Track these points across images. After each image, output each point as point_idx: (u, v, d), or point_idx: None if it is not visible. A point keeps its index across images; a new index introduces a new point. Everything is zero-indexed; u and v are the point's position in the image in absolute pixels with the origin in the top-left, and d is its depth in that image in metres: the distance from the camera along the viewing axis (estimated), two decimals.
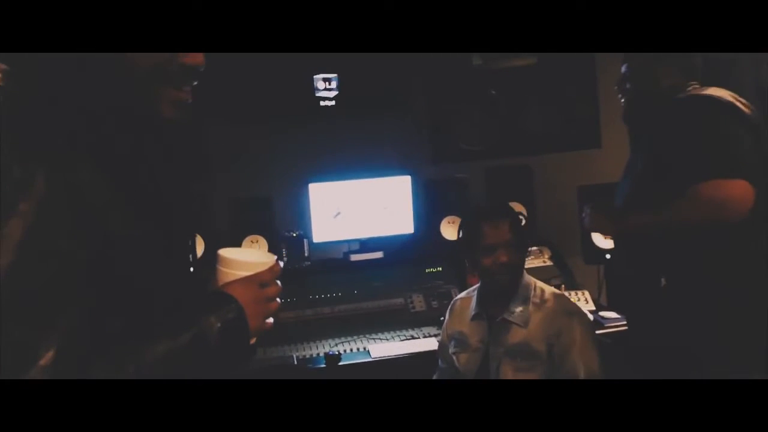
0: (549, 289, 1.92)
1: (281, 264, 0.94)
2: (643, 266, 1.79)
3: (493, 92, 3.26)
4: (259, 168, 2.88)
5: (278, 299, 0.94)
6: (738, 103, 1.69)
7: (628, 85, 1.88)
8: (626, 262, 1.92)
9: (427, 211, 2.86)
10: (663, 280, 1.71)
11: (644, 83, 1.83)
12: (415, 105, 3.09)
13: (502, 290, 1.86)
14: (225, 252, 0.91)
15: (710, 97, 1.69)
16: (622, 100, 1.91)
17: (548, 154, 3.14)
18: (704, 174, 1.58)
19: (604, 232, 2.12)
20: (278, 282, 0.93)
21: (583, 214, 1.99)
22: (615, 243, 2.01)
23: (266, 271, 0.91)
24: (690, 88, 1.77)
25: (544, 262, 2.79)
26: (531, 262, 2.77)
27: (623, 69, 1.89)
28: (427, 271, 2.74)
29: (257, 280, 0.90)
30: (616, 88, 1.92)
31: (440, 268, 2.74)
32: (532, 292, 1.88)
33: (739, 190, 1.57)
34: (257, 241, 2.68)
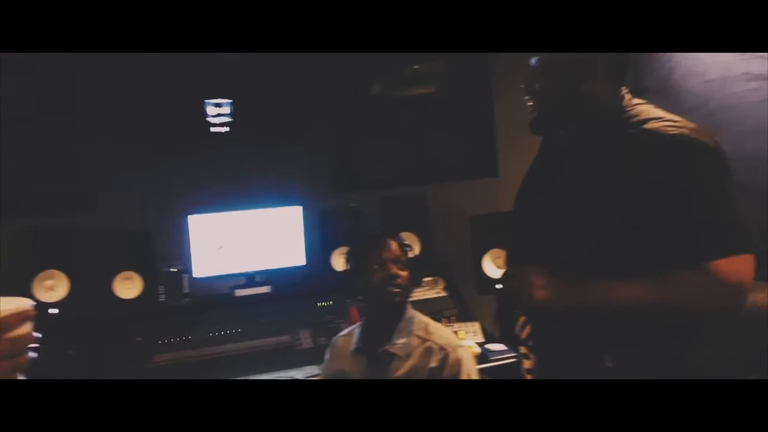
0: (433, 324, 1.88)
1: (30, 312, 0.78)
2: (584, 341, 1.28)
3: (395, 120, 3.22)
4: (140, 198, 2.70)
5: (23, 356, 0.78)
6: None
7: (537, 86, 1.35)
8: (558, 334, 1.34)
9: (320, 242, 2.75)
10: (608, 360, 1.24)
11: (561, 83, 1.32)
12: (314, 134, 2.99)
13: (392, 310, 1.81)
14: None
15: (688, 140, 1.22)
16: (530, 104, 1.38)
17: (445, 183, 3.10)
18: (723, 247, 1.16)
19: (557, 308, 1.26)
20: (14, 338, 0.77)
21: (515, 283, 1.30)
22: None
23: None
24: (626, 102, 1.33)
25: (438, 293, 2.72)
26: (425, 293, 2.70)
27: (533, 62, 1.37)
28: (318, 305, 2.62)
29: None
30: (522, 86, 1.38)
31: (331, 302, 2.62)
32: (416, 326, 1.83)
33: (752, 268, 1.18)
34: (131, 278, 2.48)
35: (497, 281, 2.53)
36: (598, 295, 1.21)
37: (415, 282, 1.91)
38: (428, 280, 2.74)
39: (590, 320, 1.24)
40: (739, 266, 1.16)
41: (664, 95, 2.38)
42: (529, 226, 1.41)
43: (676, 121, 1.25)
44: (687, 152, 1.20)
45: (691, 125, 1.24)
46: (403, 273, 1.81)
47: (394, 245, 1.84)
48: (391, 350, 1.78)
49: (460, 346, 1.81)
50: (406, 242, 1.90)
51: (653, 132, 1.23)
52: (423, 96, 3.22)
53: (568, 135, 1.37)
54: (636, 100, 1.33)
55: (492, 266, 2.57)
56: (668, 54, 2.37)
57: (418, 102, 3.21)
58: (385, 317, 1.82)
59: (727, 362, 1.35)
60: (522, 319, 1.46)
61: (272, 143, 2.88)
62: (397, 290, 1.78)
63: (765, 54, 1.97)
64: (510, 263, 1.54)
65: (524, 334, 1.44)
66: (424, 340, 1.79)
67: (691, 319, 1.22)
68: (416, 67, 3.22)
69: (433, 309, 2.58)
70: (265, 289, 2.64)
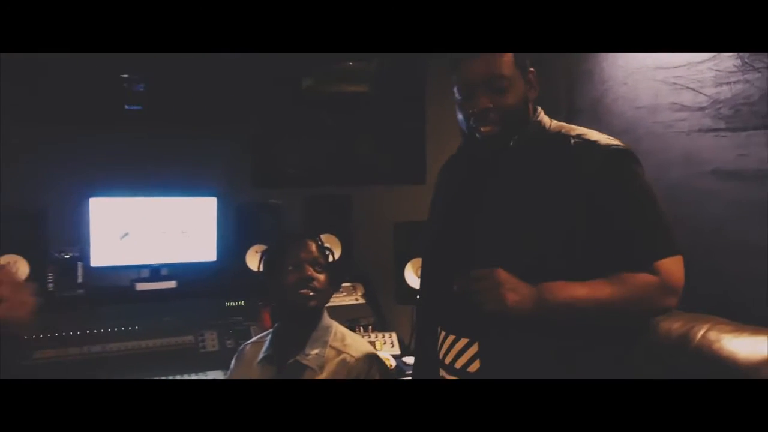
0: (351, 335, 1.76)
1: None
2: (539, 358, 1.25)
3: (324, 117, 3.10)
4: (39, 175, 2.43)
5: None
6: None
7: (501, 103, 1.29)
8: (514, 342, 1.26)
9: (234, 238, 2.57)
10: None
11: (520, 100, 1.32)
12: (237, 123, 2.82)
13: (306, 316, 1.68)
14: None
15: (626, 151, 1.29)
16: (488, 123, 1.30)
17: (371, 186, 3.01)
18: (666, 248, 1.24)
19: (525, 312, 1.21)
20: None
21: (486, 284, 1.21)
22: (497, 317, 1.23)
23: None
24: (545, 119, 1.39)
25: (356, 299, 2.62)
26: (343, 299, 2.60)
27: (492, 78, 1.29)
28: (227, 304, 2.45)
29: None
30: (487, 107, 1.30)
31: (242, 302, 2.46)
32: (332, 336, 1.71)
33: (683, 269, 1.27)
34: (16, 262, 2.21)
35: (416, 290, 2.46)
36: (563, 296, 1.21)
37: (334, 287, 1.80)
38: (347, 286, 2.64)
39: (545, 328, 1.22)
40: (678, 266, 1.24)
41: (595, 117, 2.40)
42: (472, 233, 1.34)
43: (608, 136, 1.32)
44: (630, 161, 1.28)
45: (582, 128, 1.35)
46: (321, 276, 1.69)
47: (312, 246, 1.72)
48: (303, 361, 1.64)
49: (377, 360, 1.72)
50: (327, 245, 1.79)
51: (595, 142, 1.29)
52: (354, 94, 3.13)
53: (516, 144, 1.34)
54: (552, 120, 1.40)
55: (413, 276, 2.50)
56: (602, 78, 2.39)
57: (349, 100, 3.11)
58: (299, 324, 1.69)
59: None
60: (451, 339, 1.33)
61: (191, 129, 2.69)
62: (312, 293, 1.66)
63: (694, 86, 2.01)
64: (431, 270, 1.47)
65: (460, 363, 1.31)
66: (339, 352, 1.67)
67: (637, 319, 1.30)
68: (350, 63, 3.12)
69: (350, 316, 2.49)
70: (170, 284, 2.45)
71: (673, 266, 1.23)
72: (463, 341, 1.32)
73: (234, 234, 2.57)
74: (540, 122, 1.38)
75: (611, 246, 1.23)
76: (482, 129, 1.31)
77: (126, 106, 2.60)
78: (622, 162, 1.27)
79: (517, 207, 1.30)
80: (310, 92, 3.06)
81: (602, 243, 1.23)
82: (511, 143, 1.34)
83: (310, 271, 1.66)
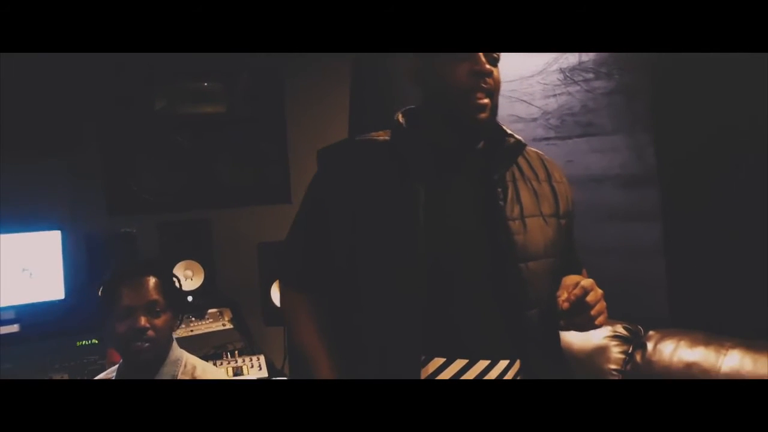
0: (202, 365, 1.66)
1: None
2: None
3: (179, 139, 2.99)
4: None
5: None
6: None
7: (493, 81, 1.15)
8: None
9: (85, 272, 2.41)
10: None
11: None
12: (82, 145, 2.65)
13: (143, 365, 1.56)
14: None
15: None
16: (485, 100, 1.13)
17: (234, 208, 2.95)
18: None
19: None
20: None
21: (590, 297, 1.08)
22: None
23: None
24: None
25: (224, 325, 2.54)
26: (209, 326, 2.51)
27: (490, 55, 1.15)
28: (78, 344, 2.28)
29: None
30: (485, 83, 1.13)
31: (96, 341, 2.31)
32: (181, 369, 1.61)
33: None
34: None
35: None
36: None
37: (176, 324, 1.65)
38: (213, 312, 2.55)
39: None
40: None
41: None
42: (472, 237, 1.15)
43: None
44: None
45: None
46: (158, 321, 1.53)
47: (149, 285, 1.54)
48: None
49: None
50: (174, 274, 1.66)
51: (532, 151, 1.30)
52: (211, 115, 3.06)
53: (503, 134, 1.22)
54: None
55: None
56: None
57: (206, 121, 3.04)
58: (142, 364, 1.57)
59: None
60: (483, 365, 1.11)
61: (27, 153, 2.49)
62: (147, 345, 1.52)
63: (526, 98, 2.17)
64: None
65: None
66: None
67: None
68: (204, 84, 3.05)
69: (218, 342, 2.41)
70: (11, 329, 2.25)
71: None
72: (503, 363, 1.12)
73: (85, 268, 2.41)
74: None
75: (566, 251, 1.26)
76: (478, 96, 1.12)
77: None
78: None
79: (523, 204, 1.19)
80: (163, 113, 2.95)
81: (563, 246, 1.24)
82: (508, 132, 1.22)
83: (143, 321, 1.51)
